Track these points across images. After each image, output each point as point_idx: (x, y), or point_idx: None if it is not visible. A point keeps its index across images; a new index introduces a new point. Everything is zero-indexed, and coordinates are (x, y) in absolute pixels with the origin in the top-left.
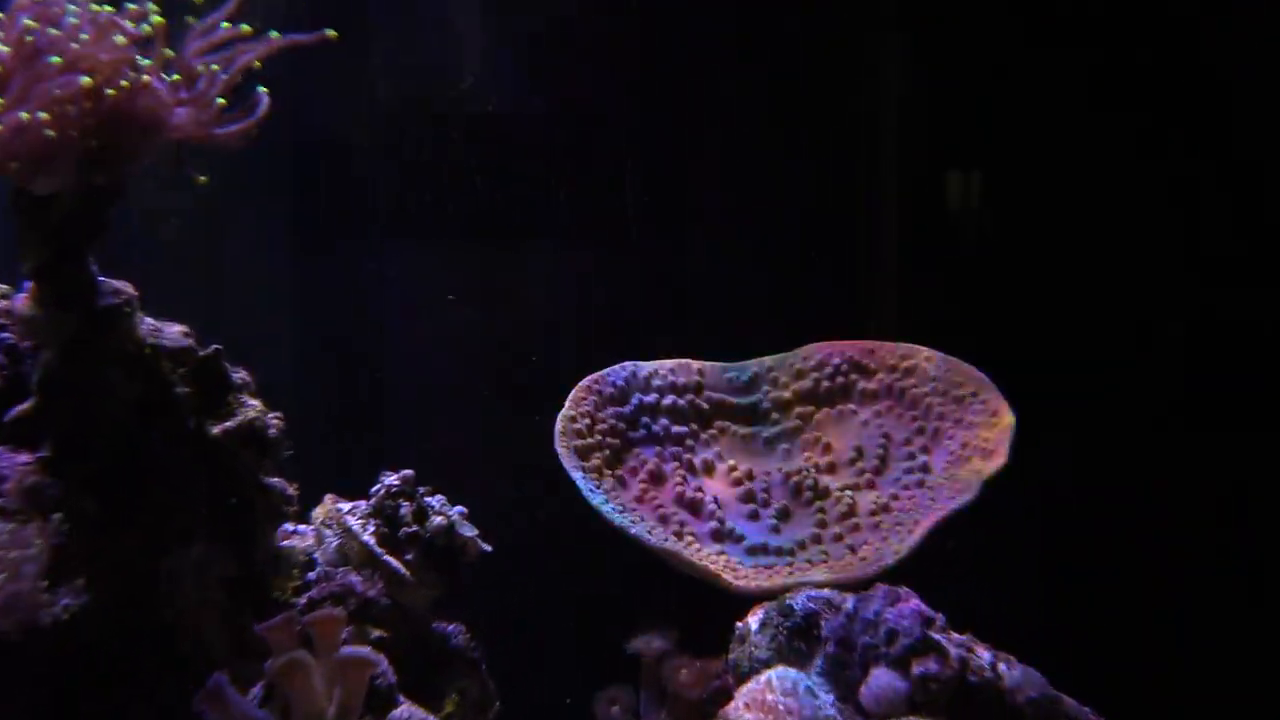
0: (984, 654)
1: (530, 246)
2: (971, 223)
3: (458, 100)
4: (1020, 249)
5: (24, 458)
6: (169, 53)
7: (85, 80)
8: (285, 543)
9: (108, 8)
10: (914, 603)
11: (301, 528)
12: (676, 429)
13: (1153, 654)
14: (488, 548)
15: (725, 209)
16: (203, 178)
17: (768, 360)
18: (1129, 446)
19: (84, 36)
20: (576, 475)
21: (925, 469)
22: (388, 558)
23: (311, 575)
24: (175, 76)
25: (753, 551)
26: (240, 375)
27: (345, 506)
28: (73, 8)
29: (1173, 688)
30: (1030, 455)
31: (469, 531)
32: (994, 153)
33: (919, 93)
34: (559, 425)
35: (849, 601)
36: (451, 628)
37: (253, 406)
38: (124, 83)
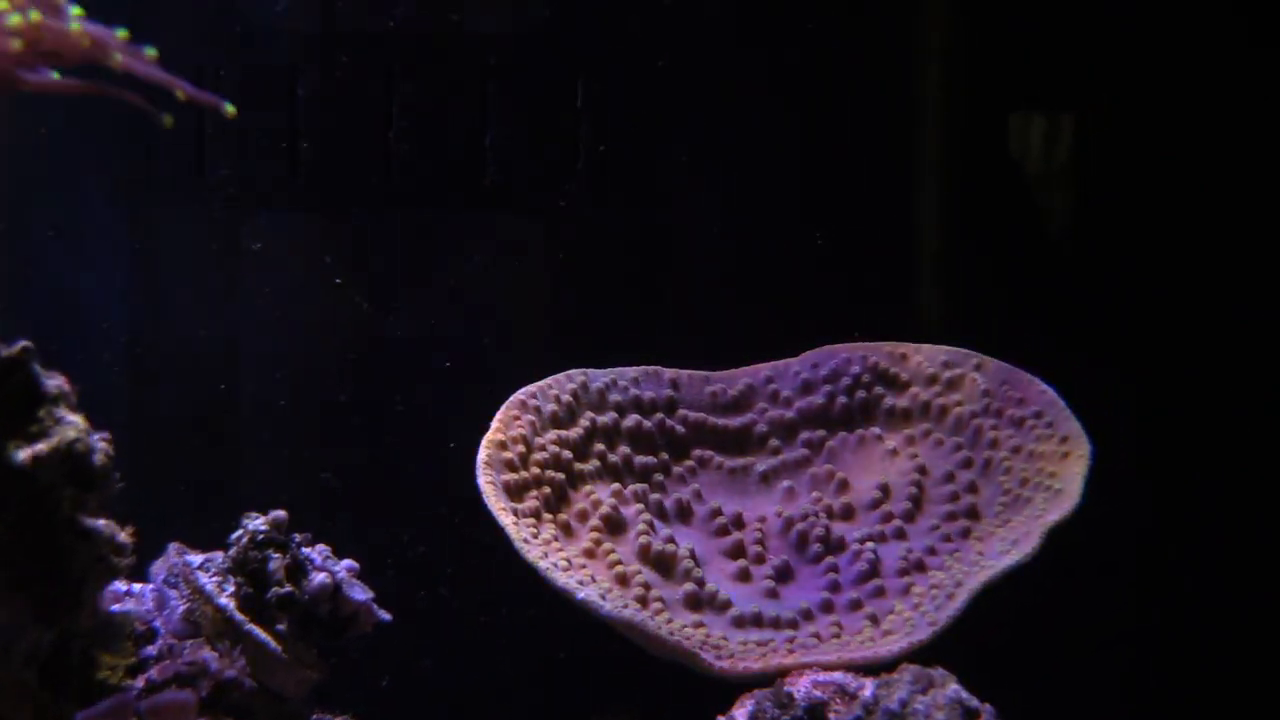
0: None
1: (445, 214)
2: (1043, 188)
3: (331, 14)
4: (1110, 223)
5: None
6: None
7: None
8: (116, 606)
9: None
10: (952, 689)
11: (138, 587)
12: (641, 460)
13: None
14: (386, 616)
15: (710, 164)
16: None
17: (764, 368)
18: (1239, 486)
19: None
20: (505, 521)
21: (972, 514)
22: (252, 627)
23: (151, 650)
24: None
25: (741, 623)
26: (55, 383)
27: (196, 559)
28: None
29: None
30: (1108, 494)
31: (361, 595)
32: (1079, 91)
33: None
34: (482, 454)
35: (867, 688)
36: None
37: (72, 424)
38: None
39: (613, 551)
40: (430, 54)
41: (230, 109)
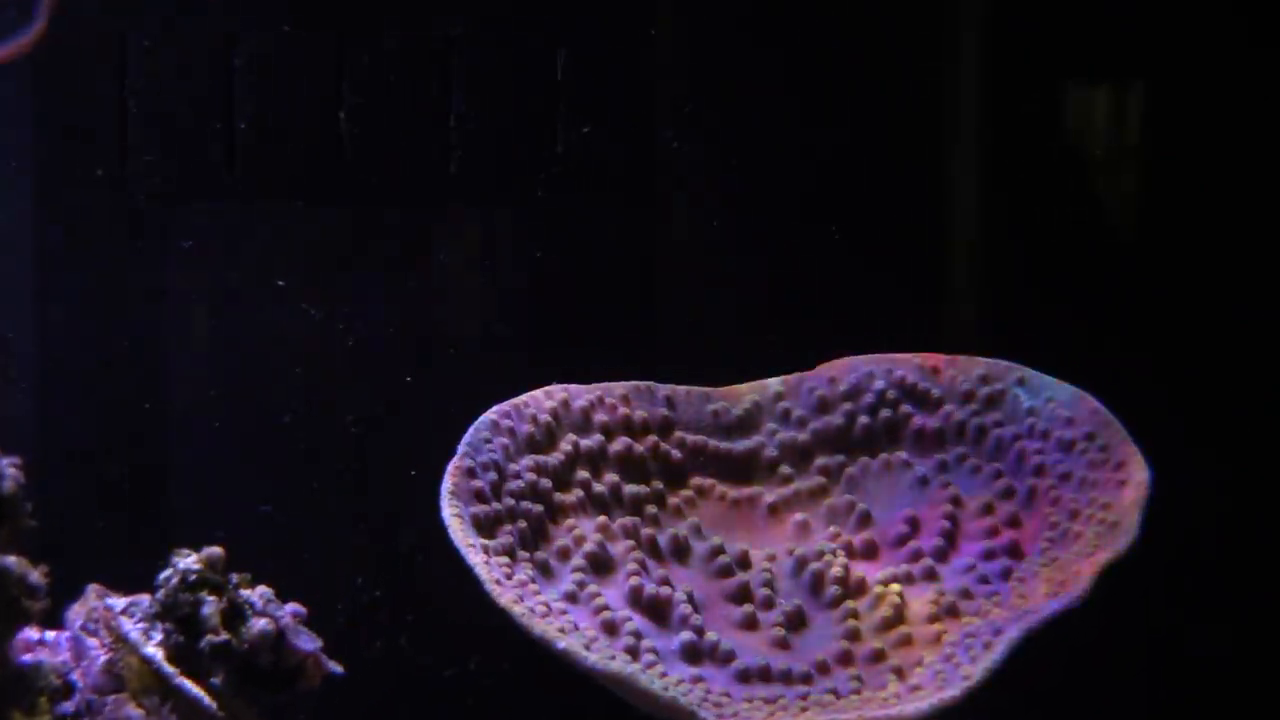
0: None
1: (408, 209)
2: (1103, 175)
3: None
4: (1179, 216)
5: None
6: None
7: None
8: (27, 657)
9: None
10: None
11: (53, 634)
12: (631, 489)
13: None
14: (336, 668)
15: (710, 148)
16: None
17: (774, 384)
18: None
19: None
20: (474, 560)
21: (1014, 551)
22: (183, 681)
23: (68, 706)
24: None
25: (747, 677)
26: None
27: (119, 603)
28: None
29: None
30: (1169, 526)
31: (308, 644)
32: (1135, 67)
33: None
34: (448, 482)
35: None
36: None
37: None
38: None
39: (598, 595)
40: (386, 19)
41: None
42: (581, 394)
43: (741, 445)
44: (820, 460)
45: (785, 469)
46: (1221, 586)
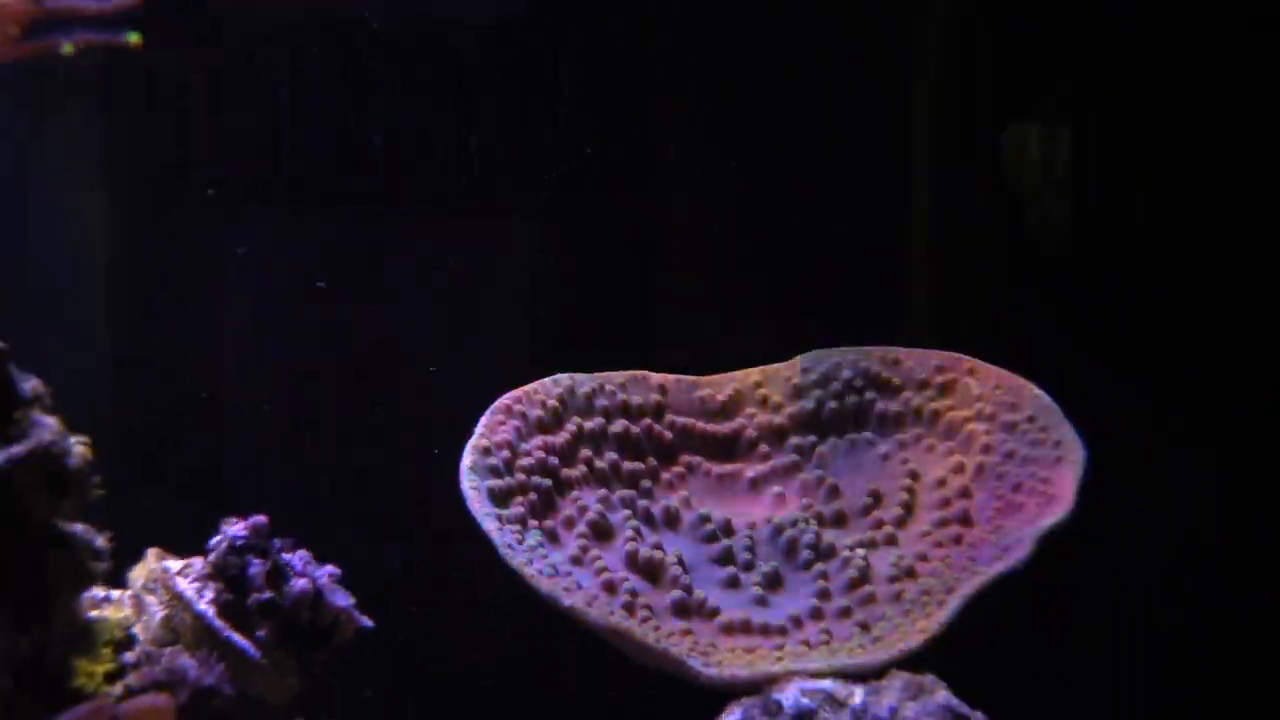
0: None
1: (428, 215)
2: (1039, 199)
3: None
4: (1106, 233)
5: None
6: None
7: None
8: (93, 613)
9: None
10: (942, 695)
11: (115, 593)
12: (629, 466)
13: None
14: (367, 622)
15: (699, 161)
16: None
17: (754, 373)
18: (1236, 490)
19: None
20: (490, 527)
21: (964, 519)
22: (232, 633)
23: (129, 657)
24: None
25: (730, 629)
26: (32, 384)
27: (174, 565)
28: None
29: None
30: (1103, 499)
31: (343, 600)
32: (1078, 100)
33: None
34: (467, 459)
35: (857, 695)
36: None
37: (48, 427)
38: None
39: (600, 558)
40: (404, 42)
41: (134, 37)
42: (584, 381)
43: (725, 427)
44: (794, 440)
45: (764, 448)
46: (1151, 551)
